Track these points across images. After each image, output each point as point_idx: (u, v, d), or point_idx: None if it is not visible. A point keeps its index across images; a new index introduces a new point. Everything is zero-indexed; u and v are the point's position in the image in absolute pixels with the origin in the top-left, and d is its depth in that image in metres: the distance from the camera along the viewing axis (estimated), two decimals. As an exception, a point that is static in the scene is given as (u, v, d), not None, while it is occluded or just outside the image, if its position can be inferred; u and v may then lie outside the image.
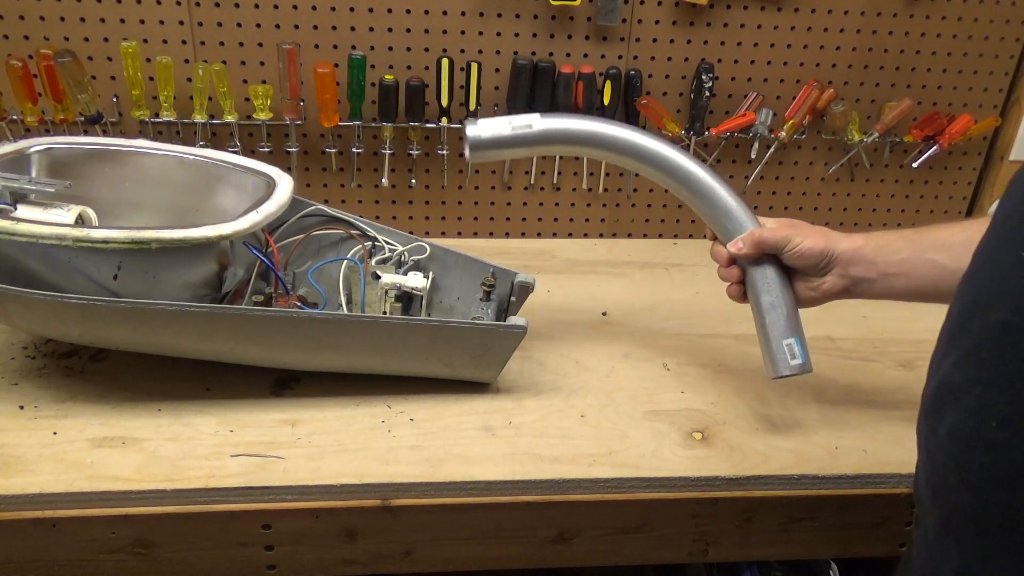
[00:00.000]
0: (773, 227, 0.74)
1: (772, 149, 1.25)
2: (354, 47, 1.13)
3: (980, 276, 0.47)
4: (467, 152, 0.76)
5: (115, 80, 1.12)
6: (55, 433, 0.74)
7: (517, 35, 1.16)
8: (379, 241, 0.92)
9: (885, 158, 1.29)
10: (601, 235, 1.32)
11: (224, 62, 1.11)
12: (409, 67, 1.16)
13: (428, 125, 1.16)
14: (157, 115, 1.11)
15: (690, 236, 1.33)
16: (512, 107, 1.18)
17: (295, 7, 1.11)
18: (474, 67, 1.13)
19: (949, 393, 0.47)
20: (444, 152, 1.19)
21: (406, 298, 0.89)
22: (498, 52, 1.17)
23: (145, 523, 0.69)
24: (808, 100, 1.21)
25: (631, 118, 1.21)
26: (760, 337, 0.76)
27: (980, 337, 0.44)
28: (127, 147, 0.91)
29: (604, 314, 1.04)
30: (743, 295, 0.77)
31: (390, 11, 1.12)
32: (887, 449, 0.79)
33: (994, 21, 1.21)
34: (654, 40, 1.18)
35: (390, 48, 1.15)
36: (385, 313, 0.87)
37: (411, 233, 0.94)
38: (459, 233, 1.29)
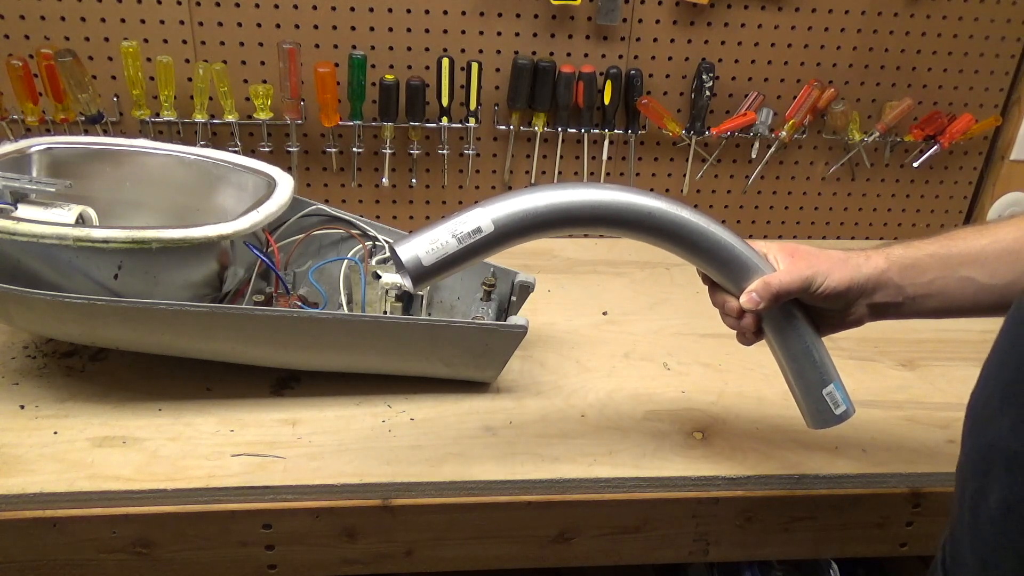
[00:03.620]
0: (786, 267, 0.62)
1: (772, 149, 1.25)
2: (354, 47, 1.13)
3: None
4: (407, 283, 0.59)
5: (116, 80, 1.12)
6: (56, 433, 0.74)
7: (518, 35, 1.16)
8: (379, 240, 0.92)
9: (886, 158, 1.29)
10: (602, 235, 1.31)
11: (225, 62, 1.11)
12: (410, 67, 1.16)
13: (428, 125, 1.16)
14: (158, 115, 1.12)
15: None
16: (513, 107, 1.18)
17: (295, 7, 1.11)
18: (474, 67, 1.13)
19: (1003, 459, 0.42)
20: (444, 152, 1.19)
21: (407, 298, 0.89)
22: (499, 52, 1.17)
23: (146, 523, 0.69)
24: (808, 100, 1.21)
25: (631, 118, 1.21)
26: (792, 388, 0.67)
27: None
28: (128, 147, 0.91)
29: (604, 314, 1.04)
30: (753, 339, 0.66)
31: (390, 11, 1.12)
32: (887, 449, 0.79)
33: (994, 21, 1.21)
34: (655, 40, 1.18)
35: (390, 48, 1.15)
36: (386, 313, 0.87)
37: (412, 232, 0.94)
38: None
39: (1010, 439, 0.42)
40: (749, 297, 0.62)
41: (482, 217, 0.59)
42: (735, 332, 0.67)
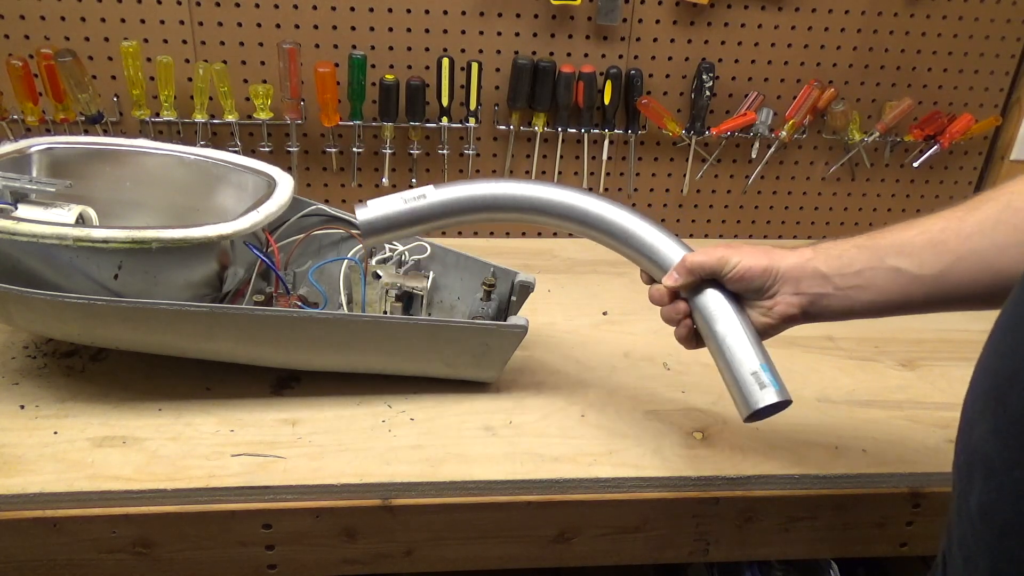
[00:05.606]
0: (707, 249, 0.66)
1: (772, 149, 1.25)
2: (355, 47, 1.13)
3: None
4: (362, 237, 0.71)
5: (116, 80, 1.12)
6: (56, 433, 0.74)
7: (518, 34, 1.16)
8: (379, 241, 0.92)
9: (886, 158, 1.29)
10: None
11: (225, 62, 1.11)
12: (410, 67, 1.16)
13: (428, 125, 1.17)
14: (158, 115, 1.12)
15: (690, 235, 1.33)
16: (513, 107, 1.18)
17: (295, 7, 1.11)
18: (474, 67, 1.13)
19: (981, 464, 0.43)
20: (444, 152, 1.19)
21: (407, 298, 0.89)
22: (499, 52, 1.17)
23: (146, 523, 0.69)
24: (809, 100, 1.21)
25: (631, 118, 1.21)
26: (723, 377, 0.66)
27: (1021, 416, 0.40)
28: (128, 147, 0.91)
29: (604, 314, 1.04)
30: (694, 337, 0.68)
31: (390, 11, 1.12)
32: (887, 449, 0.79)
33: (994, 20, 1.21)
34: (655, 40, 1.18)
35: (391, 48, 1.15)
36: (386, 313, 0.87)
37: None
38: (459, 232, 1.29)
39: (987, 444, 0.42)
40: (669, 275, 0.68)
41: (429, 189, 0.71)
42: (677, 338, 0.70)
